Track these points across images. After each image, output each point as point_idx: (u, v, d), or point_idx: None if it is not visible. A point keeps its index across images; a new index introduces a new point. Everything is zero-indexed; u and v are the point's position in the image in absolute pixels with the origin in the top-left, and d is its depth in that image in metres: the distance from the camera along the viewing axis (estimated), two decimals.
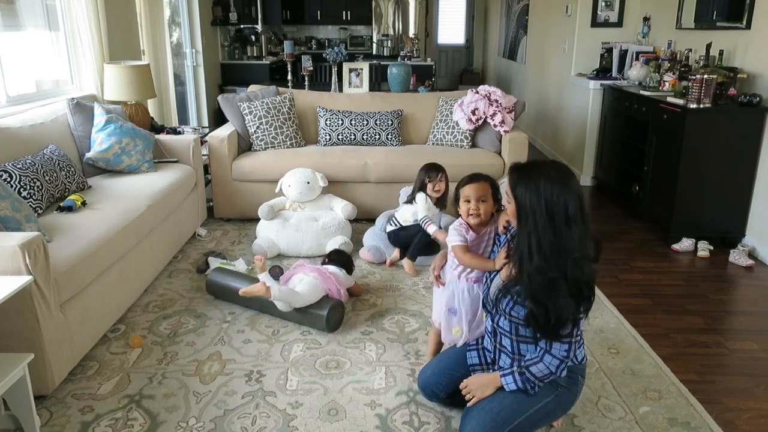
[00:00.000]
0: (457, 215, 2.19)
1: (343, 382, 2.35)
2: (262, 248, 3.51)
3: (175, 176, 3.54)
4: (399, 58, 7.03)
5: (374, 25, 9.66)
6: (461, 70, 11.70)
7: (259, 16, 8.06)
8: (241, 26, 7.94)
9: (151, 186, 3.28)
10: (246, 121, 4.25)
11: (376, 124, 4.37)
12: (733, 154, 3.71)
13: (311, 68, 5.79)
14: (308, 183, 3.71)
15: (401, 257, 3.48)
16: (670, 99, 3.95)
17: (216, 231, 4.04)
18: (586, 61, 5.60)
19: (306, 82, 5.82)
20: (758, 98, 3.58)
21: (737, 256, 3.63)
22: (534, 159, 1.88)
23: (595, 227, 1.78)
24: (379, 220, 3.71)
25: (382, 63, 6.61)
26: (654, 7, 5.13)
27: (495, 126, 4.21)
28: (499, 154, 4.25)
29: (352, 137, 4.37)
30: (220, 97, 4.35)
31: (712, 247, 3.76)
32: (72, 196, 2.88)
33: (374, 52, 9.46)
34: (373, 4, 9.55)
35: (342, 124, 4.38)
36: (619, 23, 5.46)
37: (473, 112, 4.24)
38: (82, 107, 3.50)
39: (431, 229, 3.27)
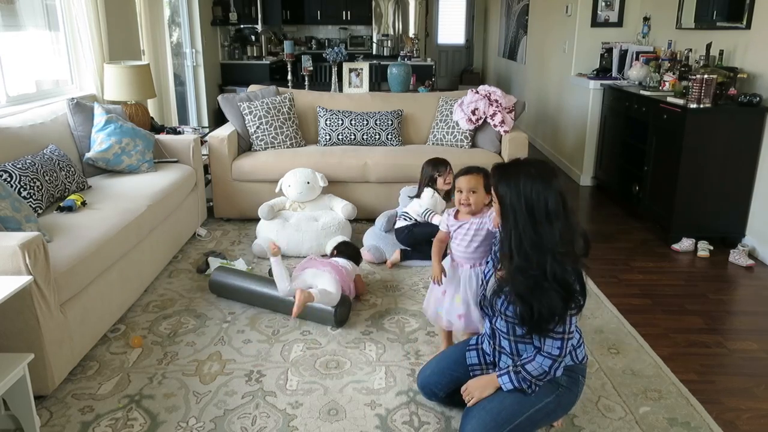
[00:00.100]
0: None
1: (343, 382, 2.35)
2: (262, 248, 3.51)
3: (175, 176, 3.54)
4: (399, 58, 7.03)
5: (374, 25, 9.66)
6: (461, 70, 11.70)
7: (259, 16, 8.06)
8: (241, 26, 7.94)
9: (151, 186, 3.28)
10: (246, 121, 4.25)
11: (376, 124, 4.37)
12: (733, 154, 3.71)
13: (311, 68, 5.79)
14: (308, 183, 3.71)
15: (402, 259, 3.49)
16: (670, 99, 3.95)
17: (216, 231, 4.04)
18: (586, 61, 5.60)
19: (306, 82, 5.82)
20: (758, 98, 3.58)
21: (737, 256, 3.63)
22: (516, 158, 1.90)
23: (578, 220, 1.78)
24: (379, 220, 3.71)
25: (382, 63, 6.61)
26: (654, 7, 5.13)
27: (495, 126, 4.21)
28: (499, 154, 4.26)
29: (352, 137, 4.37)
30: (220, 97, 4.35)
31: (712, 247, 3.76)
32: (72, 196, 2.88)
33: (374, 52, 9.46)
34: (373, 4, 9.54)
35: (342, 124, 4.38)
36: (619, 23, 5.46)
37: (473, 112, 4.24)
38: (82, 107, 3.50)
39: (436, 220, 3.32)
